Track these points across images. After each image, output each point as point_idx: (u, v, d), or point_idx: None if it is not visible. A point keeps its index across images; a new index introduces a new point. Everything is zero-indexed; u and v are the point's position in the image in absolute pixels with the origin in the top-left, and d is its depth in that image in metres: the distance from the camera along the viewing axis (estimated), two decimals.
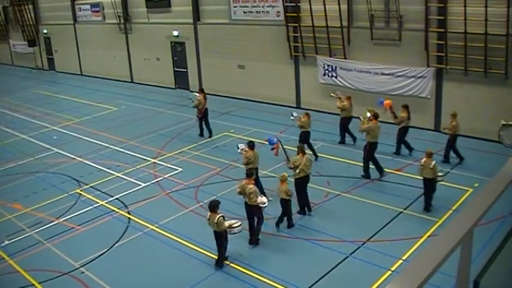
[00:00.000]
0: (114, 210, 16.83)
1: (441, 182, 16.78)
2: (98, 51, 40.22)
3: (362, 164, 18.13)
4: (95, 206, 17.28)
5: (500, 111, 20.04)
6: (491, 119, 20.31)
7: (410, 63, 22.21)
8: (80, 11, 41.36)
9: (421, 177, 15.37)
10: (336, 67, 24.82)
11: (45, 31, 46.28)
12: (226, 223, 13.10)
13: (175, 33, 32.90)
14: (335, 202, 16.33)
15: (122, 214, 16.54)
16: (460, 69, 20.88)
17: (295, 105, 26.27)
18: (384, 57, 23.08)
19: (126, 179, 19.37)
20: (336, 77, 24.89)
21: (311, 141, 19.71)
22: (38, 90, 38.35)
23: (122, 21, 36.68)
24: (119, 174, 19.89)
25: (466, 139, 20.55)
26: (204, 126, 23.19)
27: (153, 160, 20.96)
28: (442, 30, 20.92)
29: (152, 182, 18.99)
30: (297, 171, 15.21)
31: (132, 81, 37.34)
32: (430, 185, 15.22)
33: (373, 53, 23.49)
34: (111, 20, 37.72)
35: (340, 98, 21.28)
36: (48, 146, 24.14)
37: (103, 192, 18.27)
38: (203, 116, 23.10)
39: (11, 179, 20.41)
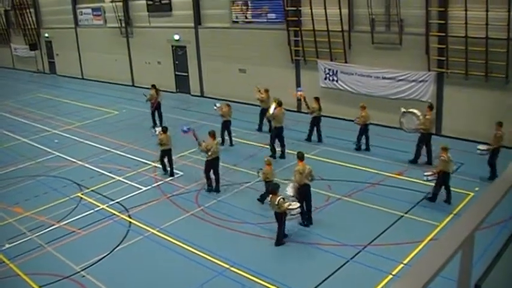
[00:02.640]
0: (115, 214, 16.82)
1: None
2: (99, 55, 40.27)
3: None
4: (95, 209, 17.27)
5: (501, 114, 20.03)
6: (492, 122, 20.27)
7: (411, 67, 22.23)
8: (82, 14, 41.45)
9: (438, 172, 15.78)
10: (336, 71, 24.83)
11: (46, 35, 46.37)
12: (286, 204, 13.98)
13: (177, 37, 32.94)
14: (336, 206, 16.32)
15: (122, 218, 16.53)
16: (460, 73, 20.89)
17: (296, 110, 26.26)
18: (384, 61, 23.10)
19: (127, 183, 19.37)
20: (336, 81, 24.91)
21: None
22: (39, 94, 38.39)
23: (123, 25, 36.75)
24: (120, 178, 19.89)
25: (467, 143, 20.57)
26: (156, 118, 25.85)
27: (153, 164, 20.95)
28: (443, 34, 20.95)
29: (153, 185, 18.99)
30: (209, 153, 17.39)
31: (133, 85, 37.38)
32: (448, 178, 15.72)
33: (374, 57, 23.51)
34: (112, 23, 37.79)
35: (260, 91, 23.72)
36: (49, 150, 24.14)
37: (104, 196, 18.27)
38: (156, 109, 25.82)
39: (12, 183, 20.42)
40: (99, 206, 17.49)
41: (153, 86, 26.32)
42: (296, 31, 26.11)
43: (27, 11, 46.81)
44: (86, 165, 21.74)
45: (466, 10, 19.83)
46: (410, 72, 22.22)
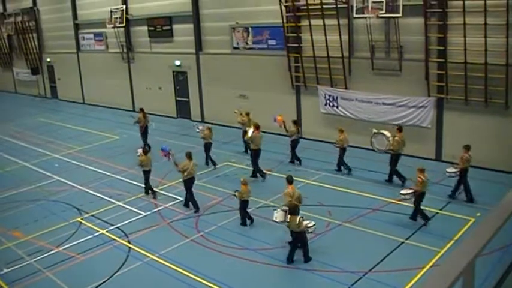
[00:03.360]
0: (114, 239, 16.75)
1: (442, 211, 16.85)
2: (100, 80, 40.48)
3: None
4: (95, 234, 17.20)
5: (501, 140, 20.11)
6: (493, 148, 20.37)
7: (411, 93, 22.32)
8: (84, 40, 41.76)
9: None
10: (337, 97, 24.92)
11: (48, 59, 46.70)
12: (305, 222, 14.39)
13: (178, 62, 33.14)
14: (336, 232, 16.26)
15: (122, 243, 16.46)
16: (460, 99, 20.98)
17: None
18: (384, 87, 23.20)
19: (127, 208, 19.33)
20: (337, 107, 24.99)
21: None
22: (40, 118, 38.51)
23: (125, 50, 37.01)
24: (120, 203, 19.86)
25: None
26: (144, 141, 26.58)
27: (154, 189, 20.91)
28: (442, 60, 21.09)
29: (153, 211, 18.95)
30: (185, 173, 18.22)
31: (134, 110, 37.48)
32: (423, 198, 16.32)
33: (374, 83, 23.62)
34: (114, 49, 38.07)
35: (241, 114, 24.70)
36: (50, 174, 24.15)
37: (104, 221, 18.22)
38: (144, 132, 26.63)
39: (11, 207, 20.38)
40: (98, 231, 17.42)
41: (141, 110, 27.32)
42: (296, 57, 26.28)
43: (30, 35, 47.23)
44: (86, 189, 21.72)
45: (465, 36, 20.00)
46: (410, 98, 22.31)
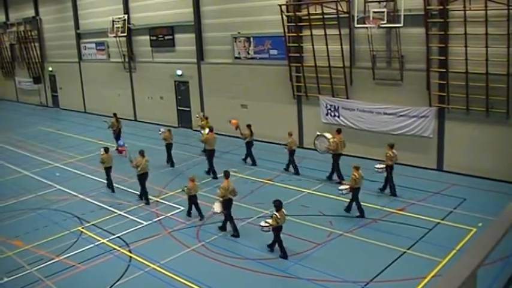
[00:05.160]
0: (115, 249, 16.72)
1: (444, 221, 16.84)
2: (102, 89, 40.57)
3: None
4: (96, 244, 17.18)
5: (503, 150, 20.09)
6: (494, 158, 20.36)
7: (412, 103, 22.33)
8: (85, 49, 41.88)
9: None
10: (338, 107, 24.94)
11: (50, 68, 46.85)
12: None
13: (179, 72, 33.21)
14: (338, 242, 16.22)
15: (123, 252, 16.43)
16: (461, 109, 20.98)
17: (298, 145, 26.25)
18: (386, 97, 23.22)
19: (128, 217, 19.31)
20: (338, 117, 24.99)
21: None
22: (41, 127, 38.56)
23: (127, 59, 37.10)
24: (121, 212, 19.84)
25: (469, 178, 20.66)
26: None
27: (155, 198, 20.92)
28: (444, 70, 21.11)
29: (154, 220, 18.92)
30: (139, 169, 20.06)
31: (135, 120, 37.53)
32: (358, 192, 17.90)
33: (375, 93, 23.64)
34: (115, 58, 38.18)
35: (201, 118, 27.15)
36: (51, 183, 24.15)
37: (104, 230, 18.19)
38: (117, 135, 28.84)
39: (12, 215, 20.37)
40: (99, 240, 17.40)
41: (114, 115, 29.91)
42: (298, 67, 26.32)
43: (32, 44, 47.40)
44: (87, 198, 21.71)
45: (466, 46, 20.04)
46: (412, 107, 22.31)
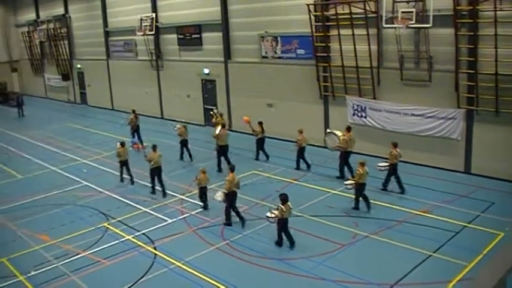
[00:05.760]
0: (140, 245, 16.83)
1: (470, 225, 16.61)
2: (129, 87, 40.89)
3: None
4: (121, 240, 17.31)
5: None
6: None
7: (440, 104, 22.08)
8: (113, 47, 42.22)
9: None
10: (365, 107, 24.78)
11: (78, 66, 47.35)
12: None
13: (206, 70, 33.32)
14: (363, 243, 16.11)
15: (148, 249, 16.52)
16: (491, 111, 20.67)
17: (324, 145, 26.12)
18: (413, 98, 22.99)
19: (153, 214, 19.42)
20: (365, 117, 24.84)
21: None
22: (69, 124, 39.01)
23: (154, 58, 37.32)
24: (146, 209, 19.96)
25: (497, 181, 20.39)
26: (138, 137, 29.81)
27: (180, 196, 21.00)
28: (473, 71, 20.84)
29: (179, 218, 19.01)
30: (152, 163, 21.30)
31: (162, 117, 37.73)
32: (364, 188, 18.57)
33: (402, 94, 23.42)
34: (143, 56, 38.43)
35: (216, 116, 27.47)
36: (77, 179, 24.41)
37: (130, 227, 18.32)
38: (135, 131, 29.67)
39: (39, 210, 20.62)
40: (124, 237, 17.53)
41: (133, 111, 30.62)
42: (325, 67, 26.22)
43: (61, 42, 47.96)
44: (113, 195, 21.89)
45: (496, 47, 19.73)
46: (439, 109, 22.07)
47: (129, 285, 14.25)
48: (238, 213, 18.09)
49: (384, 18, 22.67)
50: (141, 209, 20.02)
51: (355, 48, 24.18)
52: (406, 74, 23.11)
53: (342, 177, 21.67)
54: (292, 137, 24.40)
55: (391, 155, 19.93)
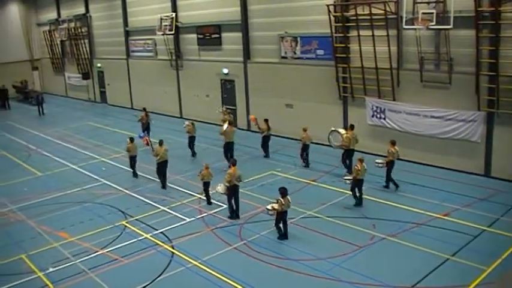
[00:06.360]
0: (158, 244, 16.91)
1: (489, 229, 16.47)
2: (148, 86, 41.09)
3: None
4: (139, 238, 17.41)
5: None
6: None
7: (460, 107, 21.90)
8: (133, 46, 42.44)
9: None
10: (384, 109, 24.66)
11: (98, 65, 47.66)
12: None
13: (225, 70, 33.37)
14: (380, 245, 16.03)
15: (165, 248, 16.60)
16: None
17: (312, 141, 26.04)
18: (433, 100, 22.83)
19: (171, 213, 19.50)
20: (384, 119, 24.72)
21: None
22: (89, 122, 39.29)
23: (174, 57, 37.47)
24: (165, 208, 20.04)
25: None
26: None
27: (198, 196, 21.06)
28: (494, 73, 20.62)
29: (197, 217, 19.06)
30: (158, 157, 22.21)
31: (181, 117, 37.83)
32: (361, 184, 19.30)
33: (422, 96, 23.27)
34: (163, 56, 38.60)
35: (223, 113, 28.49)
36: (96, 177, 24.58)
37: (148, 225, 18.42)
38: (146, 128, 30.57)
39: (59, 208, 20.80)
40: (142, 235, 17.62)
41: (144, 109, 31.96)
42: (344, 68, 26.13)
43: (82, 41, 48.33)
44: (132, 193, 22.01)
45: None
46: (459, 111, 21.88)
47: (146, 284, 14.33)
48: (237, 208, 18.81)
49: (404, 19, 22.53)
50: (159, 208, 20.11)
51: (374, 49, 24.08)
52: (426, 75, 22.96)
53: (349, 173, 21.67)
54: (312, 137, 24.34)
55: (389, 152, 20.56)
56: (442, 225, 17.15)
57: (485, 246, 15.41)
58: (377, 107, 24.98)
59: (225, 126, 24.94)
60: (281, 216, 16.59)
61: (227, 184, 18.49)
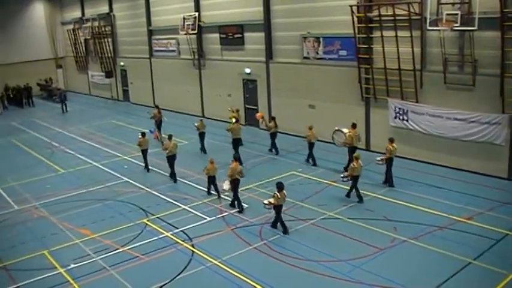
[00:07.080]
0: (178, 242, 16.98)
1: (510, 233, 16.29)
2: (171, 85, 41.30)
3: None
4: (160, 236, 17.50)
5: None
6: None
7: (484, 109, 21.64)
8: (156, 45, 42.67)
9: None
10: (407, 110, 24.47)
11: (122, 63, 48.03)
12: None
13: (248, 70, 33.39)
14: (401, 248, 15.91)
15: (185, 247, 16.67)
16: None
17: (364, 148, 25.94)
18: (456, 102, 22.60)
19: (192, 212, 19.57)
20: (407, 121, 24.53)
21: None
22: (112, 120, 39.61)
23: (196, 57, 37.59)
24: (186, 207, 20.12)
25: None
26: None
27: (219, 194, 21.09)
28: None
29: (217, 216, 19.11)
30: (167, 151, 23.26)
31: (203, 116, 37.93)
32: (357, 181, 19.77)
33: (445, 97, 23.06)
34: (185, 55, 38.76)
35: (233, 111, 30.21)
36: (118, 175, 24.77)
37: (169, 224, 18.51)
38: (159, 125, 31.87)
39: (81, 205, 21.00)
40: (163, 233, 17.71)
41: (156, 106, 33.47)
42: (367, 69, 26.00)
43: (105, 40, 48.74)
44: (153, 192, 22.13)
45: None
46: (483, 114, 21.62)
47: (166, 282, 14.40)
48: (235, 200, 19.79)
49: (428, 21, 22.32)
50: (180, 207, 20.20)
51: (398, 51, 23.91)
52: (449, 77, 22.74)
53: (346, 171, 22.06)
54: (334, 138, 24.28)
55: (387, 150, 20.98)
56: (464, 228, 16.97)
57: (508, 251, 15.24)
58: (400, 109, 24.80)
59: (233, 122, 26.82)
60: (278, 210, 17.28)
61: (229, 178, 19.50)
